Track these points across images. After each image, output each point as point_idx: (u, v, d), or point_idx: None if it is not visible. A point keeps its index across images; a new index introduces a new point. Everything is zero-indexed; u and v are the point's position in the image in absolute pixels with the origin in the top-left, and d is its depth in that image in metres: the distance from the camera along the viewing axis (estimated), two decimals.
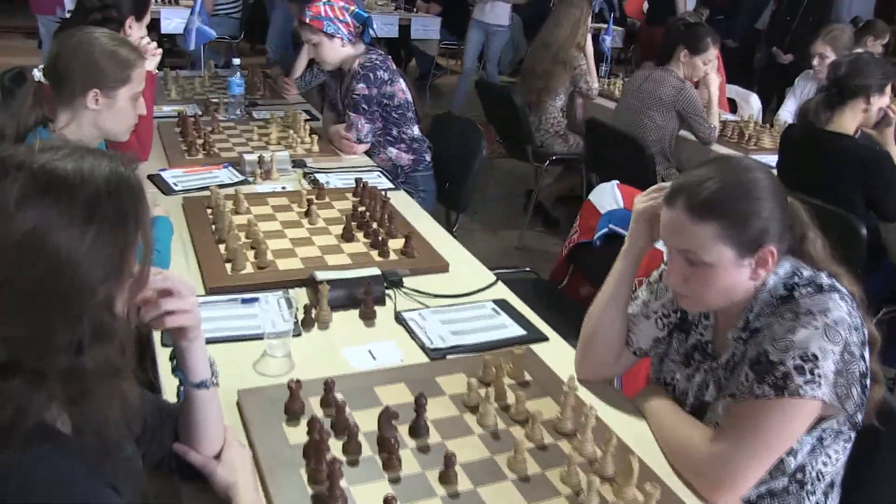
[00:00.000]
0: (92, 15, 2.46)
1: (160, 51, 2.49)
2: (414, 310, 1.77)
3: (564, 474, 1.24)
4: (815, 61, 3.82)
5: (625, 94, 3.83)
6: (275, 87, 3.79)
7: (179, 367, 1.09)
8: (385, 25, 6.37)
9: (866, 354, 1.26)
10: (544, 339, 1.70)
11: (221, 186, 2.34)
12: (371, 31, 2.90)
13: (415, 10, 7.31)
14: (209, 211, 2.17)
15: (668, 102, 3.51)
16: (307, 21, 2.77)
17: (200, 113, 3.15)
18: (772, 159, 3.34)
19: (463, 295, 1.87)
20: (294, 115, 3.06)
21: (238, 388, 1.40)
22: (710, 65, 3.54)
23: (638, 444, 1.34)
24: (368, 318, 1.72)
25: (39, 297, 0.82)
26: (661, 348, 1.51)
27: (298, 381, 1.34)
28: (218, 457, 1.15)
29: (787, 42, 5.80)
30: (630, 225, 1.50)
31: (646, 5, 7.08)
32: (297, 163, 2.66)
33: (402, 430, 1.32)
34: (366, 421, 1.33)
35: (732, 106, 4.61)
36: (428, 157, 3.01)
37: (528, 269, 2.85)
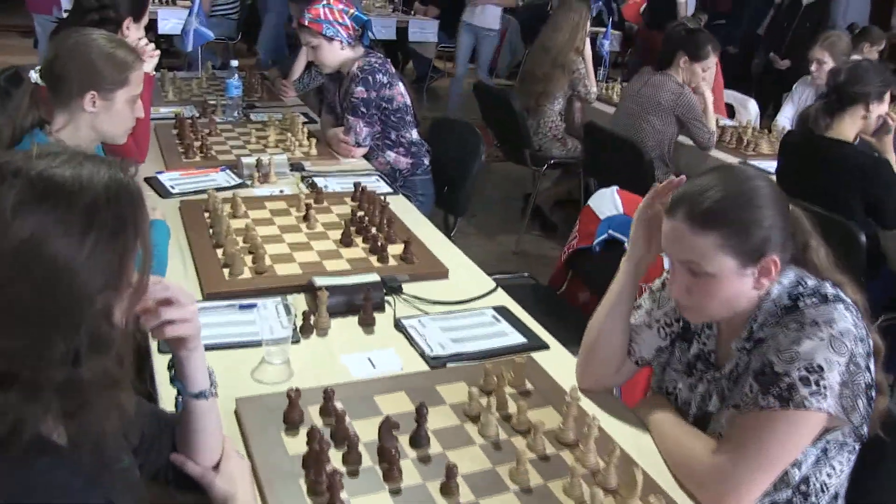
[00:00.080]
0: (89, 15, 2.45)
1: (158, 52, 2.47)
2: (413, 317, 1.75)
3: (567, 486, 1.23)
4: (813, 67, 3.83)
5: (623, 98, 3.82)
6: (272, 90, 3.77)
7: (178, 376, 1.07)
8: (383, 28, 6.36)
9: (872, 366, 1.25)
10: (545, 347, 1.69)
11: (219, 190, 2.32)
12: (370, 34, 2.89)
13: (412, 12, 7.30)
14: (206, 215, 2.15)
15: (667, 107, 3.50)
16: (306, 23, 2.75)
17: (198, 115, 3.13)
18: (770, 165, 3.34)
19: (463, 301, 1.85)
20: (292, 118, 3.05)
21: (236, 397, 1.38)
22: (707, 72, 3.54)
23: (640, 456, 1.33)
24: (367, 324, 1.71)
25: (36, 306, 0.80)
26: (664, 357, 1.50)
27: (297, 390, 1.32)
28: (216, 467, 1.13)
29: (784, 48, 5.81)
30: (630, 233, 1.49)
31: (643, 9, 7.09)
32: (296, 166, 2.64)
33: (403, 439, 1.30)
34: (366, 430, 1.31)
35: (730, 111, 4.61)
36: (426, 161, 2.99)
37: (526, 274, 2.83)
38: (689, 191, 1.28)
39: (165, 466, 1.12)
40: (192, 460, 1.11)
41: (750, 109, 4.46)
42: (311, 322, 1.66)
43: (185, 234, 2.04)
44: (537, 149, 4.25)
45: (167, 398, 1.29)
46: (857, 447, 1.32)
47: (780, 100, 5.00)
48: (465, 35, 6.27)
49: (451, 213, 3.13)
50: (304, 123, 3.05)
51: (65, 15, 4.48)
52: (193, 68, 4.63)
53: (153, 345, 1.50)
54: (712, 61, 3.52)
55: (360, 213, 2.21)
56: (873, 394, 1.25)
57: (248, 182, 2.47)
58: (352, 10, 2.81)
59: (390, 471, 1.22)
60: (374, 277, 1.81)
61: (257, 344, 1.56)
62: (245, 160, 2.52)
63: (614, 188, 2.59)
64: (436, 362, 1.58)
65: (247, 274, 1.85)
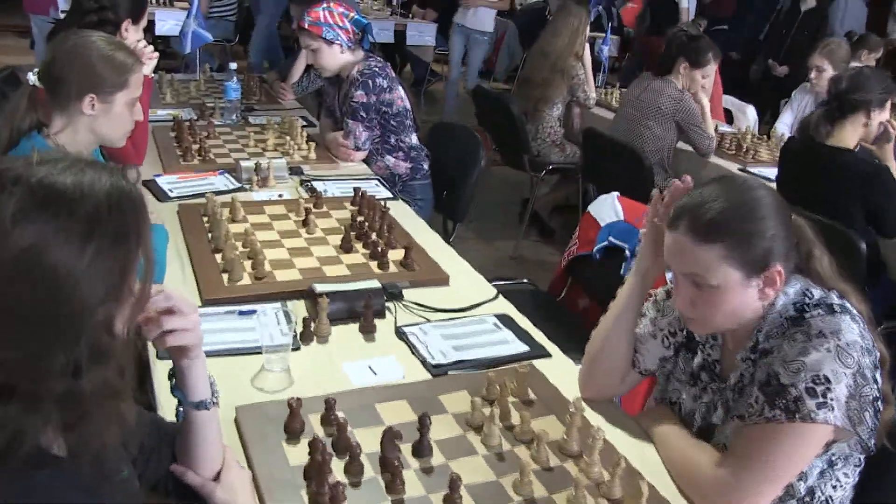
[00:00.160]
0: (88, 17, 2.42)
1: (157, 54, 2.45)
2: (414, 324, 1.74)
3: (572, 497, 1.21)
4: (813, 74, 3.83)
5: (623, 104, 3.82)
6: (271, 92, 3.75)
7: (178, 386, 1.05)
8: (380, 31, 6.33)
9: (879, 377, 1.24)
10: (547, 355, 1.68)
11: (217, 193, 2.30)
12: (370, 38, 2.87)
13: (410, 15, 7.29)
14: (205, 219, 2.13)
15: (666, 113, 3.49)
16: (306, 26, 2.74)
17: (196, 117, 3.11)
18: (770, 172, 3.34)
19: (464, 309, 1.84)
20: (291, 122, 3.03)
21: (235, 405, 1.36)
22: (707, 79, 3.54)
23: (644, 467, 1.32)
24: (368, 331, 1.69)
25: (35, 317, 0.78)
26: (668, 367, 1.49)
27: (299, 399, 1.30)
28: (217, 478, 1.11)
29: (782, 54, 5.82)
30: (639, 243, 1.47)
31: (638, 14, 7.09)
32: (295, 170, 2.63)
33: (405, 449, 1.29)
34: (367, 440, 1.29)
35: (728, 117, 4.61)
36: (426, 166, 2.98)
37: (525, 280, 2.82)
38: (691, 203, 1.27)
39: (165, 477, 1.11)
40: (193, 470, 1.10)
41: (749, 116, 4.46)
42: (312, 329, 1.64)
43: (184, 239, 2.02)
44: (536, 154, 4.24)
45: (167, 406, 1.28)
46: (863, 459, 1.31)
47: (778, 106, 5.01)
48: (456, 38, 6.17)
49: (450, 218, 3.11)
50: (303, 127, 3.03)
51: (62, 16, 4.46)
52: (191, 70, 4.61)
53: (152, 352, 1.48)
54: (712, 69, 3.52)
55: (360, 219, 2.20)
56: (880, 406, 1.24)
57: (247, 186, 2.45)
58: (352, 14, 2.80)
59: (393, 482, 1.20)
60: (375, 284, 1.79)
61: (257, 351, 1.54)
62: (244, 164, 2.50)
63: (615, 195, 2.58)
64: (437, 370, 1.57)
65: (246, 279, 1.83)
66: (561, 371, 1.61)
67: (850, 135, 2.65)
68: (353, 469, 1.22)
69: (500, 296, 1.93)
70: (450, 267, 2.03)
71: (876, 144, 2.73)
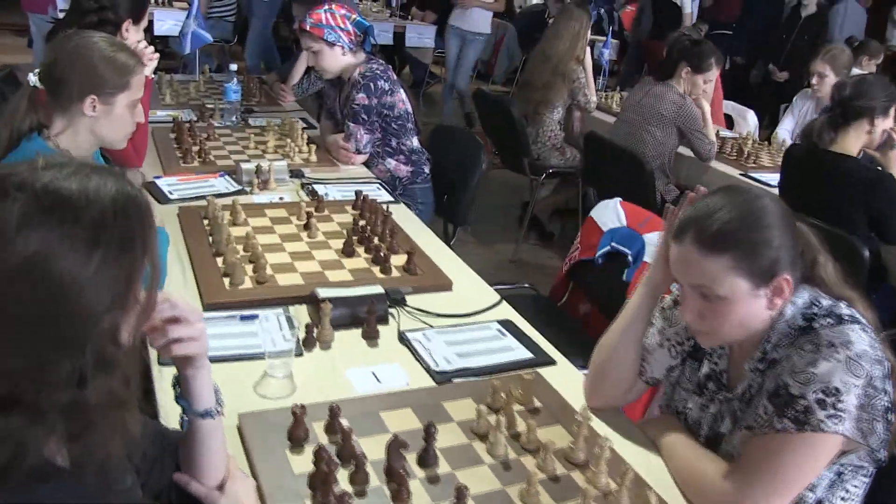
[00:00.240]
0: (88, 17, 2.40)
1: (157, 55, 2.43)
2: (418, 330, 1.72)
3: None
4: (814, 80, 3.83)
5: (624, 109, 3.81)
6: (271, 94, 3.73)
7: (183, 394, 1.03)
8: (380, 33, 6.31)
9: (889, 388, 1.23)
10: (552, 362, 1.66)
11: (218, 196, 2.28)
12: (372, 40, 2.86)
13: (410, 17, 7.28)
14: (205, 222, 2.11)
15: (668, 118, 3.49)
16: (307, 28, 2.72)
17: (195, 118, 3.09)
18: (771, 177, 3.34)
19: (467, 315, 1.82)
20: (291, 124, 3.01)
21: (238, 411, 1.34)
22: (708, 85, 3.53)
23: (649, 475, 1.31)
24: (371, 337, 1.67)
25: (40, 326, 0.76)
26: (674, 376, 1.48)
27: (303, 407, 1.29)
28: (221, 487, 1.09)
29: (782, 59, 5.83)
30: (653, 258, 1.46)
31: (634, 18, 7.09)
32: (295, 173, 2.61)
33: (410, 458, 1.27)
34: (372, 448, 1.28)
35: (728, 122, 4.61)
36: (427, 170, 2.97)
37: (526, 284, 2.80)
38: (696, 214, 1.26)
39: (169, 486, 1.09)
40: (197, 480, 1.08)
41: (749, 121, 4.46)
42: (314, 335, 1.62)
43: (185, 242, 2.00)
44: (536, 157, 4.23)
45: (169, 412, 1.26)
46: (873, 470, 1.30)
47: (778, 111, 5.03)
48: (452, 39, 6.07)
49: (450, 221, 3.10)
50: (304, 129, 3.01)
51: (61, 15, 4.44)
52: (189, 70, 4.59)
53: (153, 355, 1.46)
54: (714, 74, 3.51)
55: (362, 223, 2.18)
56: (891, 417, 1.23)
57: (248, 189, 2.44)
58: (354, 16, 2.78)
59: (399, 491, 1.18)
60: (378, 289, 1.77)
61: (259, 357, 1.52)
62: (244, 166, 2.48)
63: (617, 200, 2.57)
64: (442, 377, 1.55)
65: (248, 284, 1.81)
66: (565, 378, 1.60)
67: (853, 141, 2.65)
68: (359, 478, 1.20)
69: (504, 302, 1.91)
70: (452, 272, 2.02)
71: (879, 151, 2.73)
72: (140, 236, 0.83)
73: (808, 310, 1.27)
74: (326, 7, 2.73)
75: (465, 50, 6.04)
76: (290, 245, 2.05)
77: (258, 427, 1.31)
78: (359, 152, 2.79)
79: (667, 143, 3.53)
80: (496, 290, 2.00)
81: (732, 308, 1.24)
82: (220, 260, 1.89)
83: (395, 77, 2.87)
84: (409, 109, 2.88)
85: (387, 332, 1.70)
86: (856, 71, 3.91)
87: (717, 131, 3.93)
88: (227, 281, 1.80)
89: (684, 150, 3.64)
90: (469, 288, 1.99)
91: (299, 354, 1.57)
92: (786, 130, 4.05)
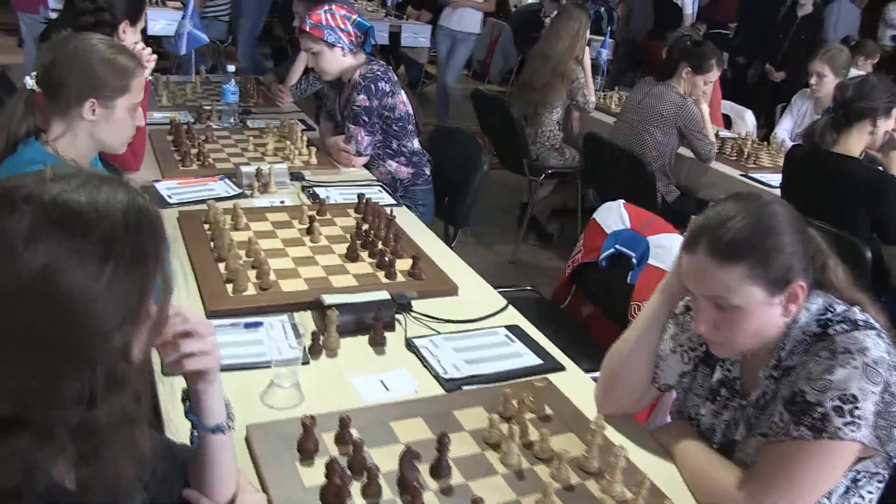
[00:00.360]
0: (83, 18, 2.36)
1: (155, 57, 2.40)
2: (425, 336, 1.70)
3: None
4: (813, 80, 3.82)
5: (625, 109, 3.79)
6: (268, 95, 3.70)
7: (193, 409, 1.01)
8: (376, 32, 6.27)
9: None
10: (561, 368, 1.64)
11: (218, 200, 2.25)
12: (372, 41, 2.83)
13: (405, 17, 7.25)
14: (206, 226, 2.08)
15: (668, 118, 3.47)
16: (307, 29, 2.69)
17: (193, 120, 3.05)
18: (771, 178, 3.33)
19: (474, 320, 1.80)
20: (290, 126, 2.98)
21: (246, 422, 1.32)
22: (708, 86, 3.52)
23: (663, 484, 1.28)
24: (378, 344, 1.65)
25: (48, 343, 0.73)
26: (686, 382, 1.46)
27: (313, 418, 1.26)
28: (231, 503, 1.07)
29: (778, 59, 5.82)
30: (671, 267, 1.44)
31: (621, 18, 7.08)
32: (296, 175, 2.58)
33: (422, 468, 1.24)
34: (383, 460, 1.25)
35: (727, 122, 4.60)
36: (427, 171, 2.94)
37: (529, 287, 2.78)
38: (707, 223, 1.24)
39: (178, 503, 1.06)
40: (207, 496, 1.05)
41: (747, 121, 4.45)
42: (320, 342, 1.60)
43: (185, 248, 1.97)
44: (535, 158, 4.21)
45: (176, 424, 1.23)
46: (887, 475, 1.29)
47: (774, 111, 5.02)
48: (442, 40, 6.07)
49: (451, 223, 3.07)
50: (303, 131, 2.98)
51: (52, 14, 4.38)
52: (183, 71, 4.54)
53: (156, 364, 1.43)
54: (715, 75, 3.50)
55: (366, 227, 2.15)
56: None
57: (248, 192, 2.41)
58: (354, 17, 2.76)
59: None
60: (385, 295, 1.75)
61: (265, 365, 1.50)
62: (244, 169, 2.45)
63: (620, 202, 2.55)
64: (451, 385, 1.53)
65: (251, 290, 1.78)
66: (575, 384, 1.58)
67: (855, 142, 2.64)
68: (371, 491, 1.18)
69: (510, 306, 1.89)
70: (456, 275, 2.00)
71: (881, 152, 2.72)
72: (152, 249, 0.80)
73: (822, 316, 1.26)
74: (326, 7, 2.69)
75: (454, 50, 6.02)
76: (292, 250, 2.02)
77: (267, 438, 1.29)
78: (359, 154, 2.76)
79: (667, 144, 3.52)
80: (500, 292, 1.98)
81: (748, 317, 1.22)
82: (222, 266, 1.86)
83: (396, 78, 2.84)
84: (410, 111, 2.86)
85: (393, 339, 1.68)
86: (854, 71, 3.91)
87: (717, 132, 3.92)
88: (230, 287, 1.77)
89: (685, 151, 3.63)
90: (474, 292, 1.96)
91: (305, 363, 1.55)
92: (784, 130, 4.04)
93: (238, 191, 2.40)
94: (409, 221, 2.36)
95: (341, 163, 2.78)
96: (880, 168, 2.74)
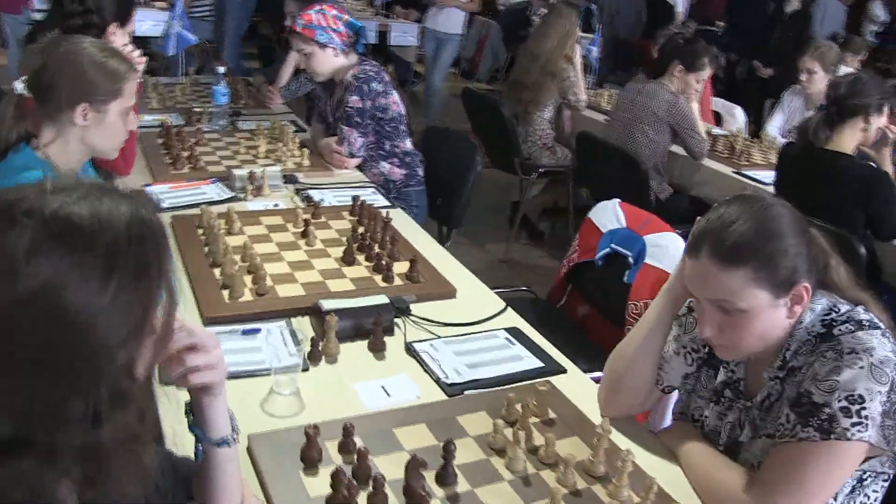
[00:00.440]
0: (72, 20, 2.32)
1: (145, 59, 2.37)
2: (425, 340, 1.68)
3: None
4: (804, 77, 3.83)
5: (617, 108, 3.79)
6: (258, 96, 3.66)
7: (197, 423, 0.99)
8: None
9: None
10: (562, 371, 1.63)
11: (210, 203, 2.22)
12: (363, 41, 2.81)
13: (393, 15, 7.21)
14: (200, 231, 2.05)
15: (661, 116, 3.47)
16: (299, 29, 2.66)
17: (183, 123, 3.01)
18: (764, 175, 3.34)
19: (474, 323, 1.79)
20: (282, 128, 2.95)
21: (247, 432, 1.29)
22: (700, 84, 3.52)
23: (667, 486, 1.28)
24: (378, 349, 1.63)
25: (51, 362, 0.71)
26: (690, 383, 1.45)
27: (316, 427, 1.24)
28: None
29: (767, 55, 5.85)
30: (674, 269, 1.43)
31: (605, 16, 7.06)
32: (289, 178, 2.55)
33: (428, 476, 1.23)
34: (388, 468, 1.24)
35: (717, 119, 4.61)
36: (420, 172, 2.92)
37: (524, 287, 2.77)
38: (710, 227, 1.23)
39: None
40: None
41: (738, 117, 4.46)
42: (319, 348, 1.58)
43: (179, 253, 1.94)
44: (527, 157, 4.20)
45: (177, 434, 1.20)
46: (892, 474, 1.29)
47: (762, 107, 5.04)
48: (428, 41, 6.07)
49: (444, 224, 3.06)
50: (295, 132, 2.95)
51: (36, 15, 4.32)
52: (171, 72, 4.50)
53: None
54: (707, 73, 3.51)
55: (361, 230, 2.13)
56: None
57: (241, 195, 2.38)
58: (346, 17, 2.73)
59: None
60: (383, 299, 1.73)
61: (264, 373, 1.48)
62: (237, 172, 2.42)
63: (616, 201, 2.54)
64: (453, 389, 1.51)
65: (247, 296, 1.76)
66: (576, 386, 1.57)
67: (848, 139, 2.65)
68: (378, 500, 1.16)
69: (510, 309, 1.88)
70: (453, 278, 1.98)
71: (874, 149, 2.73)
72: (156, 262, 0.78)
73: (826, 316, 1.26)
74: (318, 7, 2.67)
75: (440, 51, 6.02)
76: (288, 254, 2.00)
77: (269, 448, 1.27)
78: (352, 156, 2.74)
79: (660, 142, 3.52)
80: (497, 292, 1.97)
81: (753, 320, 1.22)
82: (217, 271, 1.84)
83: (388, 78, 2.82)
84: (403, 111, 2.84)
85: (392, 344, 1.66)
86: (843, 68, 3.92)
87: (709, 130, 3.92)
88: (226, 294, 1.75)
89: (677, 149, 3.63)
90: (472, 294, 1.95)
91: (305, 369, 1.53)
92: (775, 127, 4.05)
93: (231, 194, 2.37)
94: (403, 223, 2.34)
95: (334, 164, 2.76)
96: (872, 164, 2.75)
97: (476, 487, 1.24)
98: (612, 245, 2.43)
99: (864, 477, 1.27)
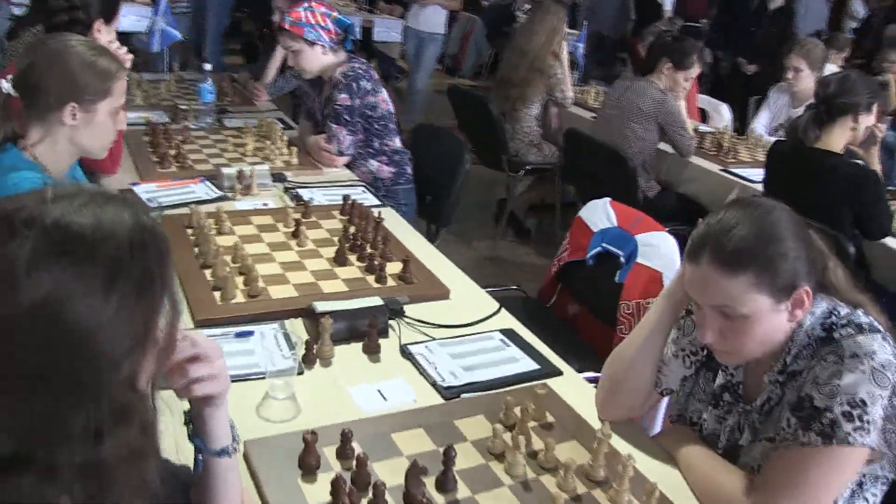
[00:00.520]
0: (57, 17, 2.28)
1: (131, 56, 2.33)
2: (420, 342, 1.67)
3: None
4: (790, 74, 3.85)
5: (605, 105, 3.79)
6: (244, 93, 3.62)
7: (197, 433, 0.97)
8: None
9: None
10: (558, 373, 1.63)
11: (199, 203, 2.19)
12: (352, 38, 2.78)
13: (377, 11, 7.17)
14: (190, 231, 2.03)
15: (649, 114, 3.47)
16: (287, 27, 2.63)
17: (169, 121, 2.97)
18: (750, 172, 3.36)
19: (468, 325, 1.78)
20: (269, 126, 2.92)
21: (242, 437, 1.27)
22: (688, 82, 3.53)
23: (666, 490, 1.27)
24: (373, 352, 1.62)
25: (53, 377, 0.69)
26: (688, 386, 1.45)
27: (314, 433, 1.23)
28: None
29: (751, 52, 5.87)
30: (678, 270, 1.42)
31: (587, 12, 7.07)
32: (278, 177, 2.52)
33: (427, 482, 1.22)
34: (387, 474, 1.23)
35: (703, 116, 4.63)
36: (409, 170, 2.91)
37: (515, 286, 2.76)
38: (710, 232, 1.23)
39: None
40: None
41: (724, 114, 4.48)
42: (314, 351, 1.56)
43: None
44: (514, 154, 4.19)
45: (176, 440, 1.18)
46: (891, 477, 1.29)
47: (747, 104, 5.05)
48: (409, 40, 6.05)
49: (433, 222, 3.04)
50: (283, 130, 2.92)
51: (15, 11, 4.24)
52: (154, 68, 4.44)
53: None
54: (695, 71, 3.51)
55: (353, 230, 2.11)
56: None
57: (230, 195, 2.35)
58: (334, 14, 2.70)
59: None
60: (377, 301, 1.71)
61: (259, 377, 1.46)
62: (226, 171, 2.39)
63: (607, 200, 2.54)
64: (450, 393, 1.50)
65: (240, 298, 1.74)
66: (571, 388, 1.56)
67: (837, 138, 2.66)
68: None
69: (503, 309, 1.87)
70: (446, 278, 1.97)
71: (862, 148, 2.75)
72: (159, 272, 0.76)
73: (826, 319, 1.26)
74: (306, 5, 2.64)
75: (422, 50, 6.00)
76: (279, 255, 1.97)
77: (266, 454, 1.25)
78: (341, 154, 2.72)
79: (648, 140, 3.52)
80: (488, 291, 1.96)
81: (755, 325, 1.22)
82: (208, 273, 1.81)
83: (377, 76, 2.80)
84: (391, 109, 2.82)
85: (387, 346, 1.65)
86: (829, 66, 3.95)
87: (696, 127, 3.93)
88: (217, 295, 1.72)
89: (665, 146, 3.64)
90: (465, 294, 1.94)
91: (300, 373, 1.51)
92: (762, 125, 4.07)
93: (219, 193, 2.34)
94: (394, 222, 2.32)
95: (323, 163, 2.73)
96: (861, 163, 2.77)
97: (476, 493, 1.23)
98: (604, 244, 2.43)
99: (864, 481, 1.27)
